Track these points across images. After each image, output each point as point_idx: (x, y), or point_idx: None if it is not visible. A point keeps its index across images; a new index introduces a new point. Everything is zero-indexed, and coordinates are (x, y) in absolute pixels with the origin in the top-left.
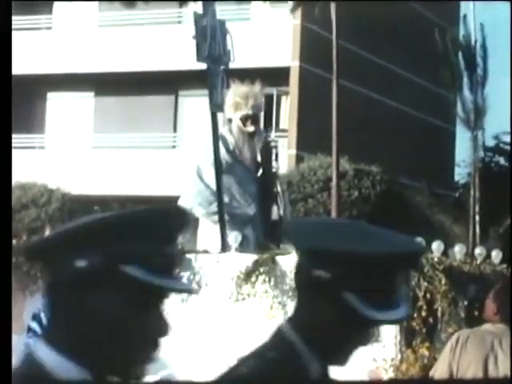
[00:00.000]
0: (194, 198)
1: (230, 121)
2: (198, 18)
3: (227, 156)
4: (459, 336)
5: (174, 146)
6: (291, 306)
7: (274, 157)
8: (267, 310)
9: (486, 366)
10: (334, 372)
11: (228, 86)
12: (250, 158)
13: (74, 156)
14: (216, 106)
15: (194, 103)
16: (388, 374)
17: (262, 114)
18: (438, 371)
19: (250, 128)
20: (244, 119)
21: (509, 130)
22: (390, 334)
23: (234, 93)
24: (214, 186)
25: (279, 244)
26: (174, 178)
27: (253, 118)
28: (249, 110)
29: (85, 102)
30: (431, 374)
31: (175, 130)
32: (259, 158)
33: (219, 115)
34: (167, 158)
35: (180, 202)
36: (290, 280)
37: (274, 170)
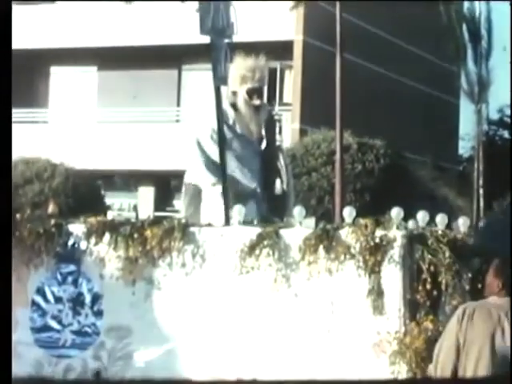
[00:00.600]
0: (198, 171)
1: (234, 94)
2: None
3: (229, 130)
4: (465, 308)
5: (177, 121)
6: (295, 279)
7: (277, 130)
8: (271, 283)
9: (492, 338)
10: (339, 347)
11: (232, 60)
12: (254, 131)
13: (78, 130)
14: (220, 80)
15: (198, 77)
16: (392, 347)
17: (265, 88)
18: (445, 343)
19: (257, 101)
20: (251, 92)
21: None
22: (393, 306)
23: (240, 66)
24: (217, 160)
25: (283, 217)
26: (177, 152)
27: (259, 92)
28: (255, 83)
29: (88, 77)
30: (438, 345)
31: (178, 104)
32: (263, 132)
33: (222, 89)
34: (171, 132)
35: (186, 177)
36: (294, 253)
37: (277, 143)
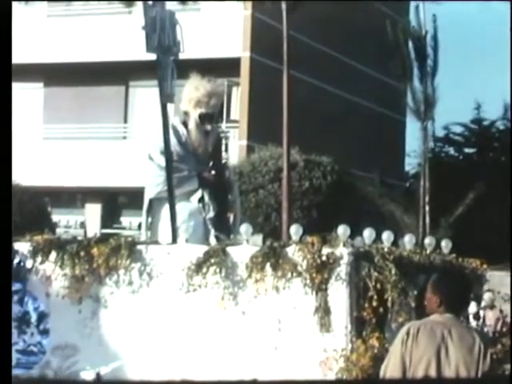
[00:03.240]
0: (150, 187)
1: (186, 114)
2: (147, 9)
3: (178, 147)
4: (409, 328)
5: (124, 137)
6: (242, 296)
7: (223, 147)
8: (218, 300)
9: (438, 357)
10: (282, 365)
11: (178, 77)
12: (202, 150)
13: (24, 147)
14: (166, 97)
15: (145, 94)
16: (338, 365)
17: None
18: (391, 364)
19: (208, 127)
20: (203, 117)
21: (458, 120)
22: (340, 324)
23: (197, 88)
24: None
25: (230, 235)
26: (124, 169)
27: (211, 117)
28: (209, 109)
29: (34, 93)
30: (383, 367)
31: (126, 120)
32: (210, 150)
33: (170, 106)
34: (118, 149)
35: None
36: (241, 271)
37: (224, 160)
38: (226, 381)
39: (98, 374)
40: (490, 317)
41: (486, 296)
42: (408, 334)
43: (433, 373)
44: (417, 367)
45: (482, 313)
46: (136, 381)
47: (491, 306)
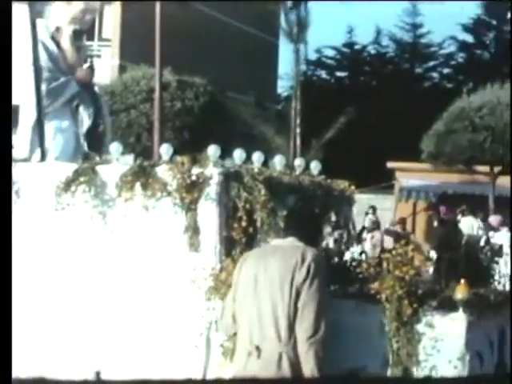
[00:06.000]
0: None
1: (57, 29)
2: None
3: (50, 63)
4: (246, 253)
5: None
6: (111, 215)
7: (90, 65)
8: (87, 219)
9: (258, 273)
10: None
11: None
12: (74, 67)
13: None
14: (36, 13)
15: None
16: (207, 283)
17: None
18: (231, 290)
19: (80, 43)
20: (77, 33)
21: (330, 43)
22: (209, 243)
23: (70, 3)
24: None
25: (100, 154)
26: None
27: (84, 33)
28: (83, 25)
29: None
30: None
31: None
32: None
33: (39, 22)
34: None
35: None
36: (111, 190)
37: (85, 75)
38: (225, 379)
39: (97, 374)
40: (378, 238)
41: (368, 218)
42: (243, 258)
43: (250, 290)
44: (245, 285)
45: (364, 235)
46: (136, 380)
47: (373, 228)
